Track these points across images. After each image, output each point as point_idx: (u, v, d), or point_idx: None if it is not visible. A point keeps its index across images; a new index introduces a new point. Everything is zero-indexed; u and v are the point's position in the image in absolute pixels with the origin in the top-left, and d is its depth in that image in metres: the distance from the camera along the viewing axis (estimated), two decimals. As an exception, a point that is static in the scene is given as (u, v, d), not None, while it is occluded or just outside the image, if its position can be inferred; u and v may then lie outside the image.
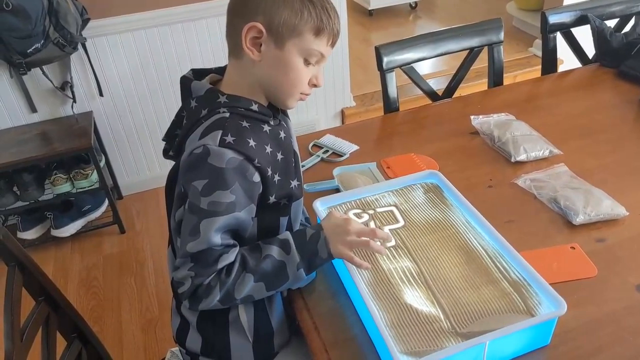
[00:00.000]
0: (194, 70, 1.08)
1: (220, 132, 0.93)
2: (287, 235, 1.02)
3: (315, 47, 0.98)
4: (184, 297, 0.97)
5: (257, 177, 0.96)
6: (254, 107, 1.00)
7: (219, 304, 0.98)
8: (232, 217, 0.95)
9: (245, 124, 0.97)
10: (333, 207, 1.22)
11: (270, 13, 0.94)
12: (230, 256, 0.96)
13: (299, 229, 1.08)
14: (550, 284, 0.96)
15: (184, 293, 0.96)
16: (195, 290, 0.96)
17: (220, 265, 0.95)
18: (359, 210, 1.20)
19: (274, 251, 0.99)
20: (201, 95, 1.00)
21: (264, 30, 0.94)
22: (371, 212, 1.20)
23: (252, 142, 0.96)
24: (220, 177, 0.92)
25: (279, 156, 1.02)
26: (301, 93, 1.03)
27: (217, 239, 0.94)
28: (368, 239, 1.01)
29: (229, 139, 0.93)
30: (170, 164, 1.08)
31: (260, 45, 0.96)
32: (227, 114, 0.97)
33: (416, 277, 1.03)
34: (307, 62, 1.00)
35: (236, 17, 0.97)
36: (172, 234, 1.07)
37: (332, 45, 1.02)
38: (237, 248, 0.98)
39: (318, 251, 1.00)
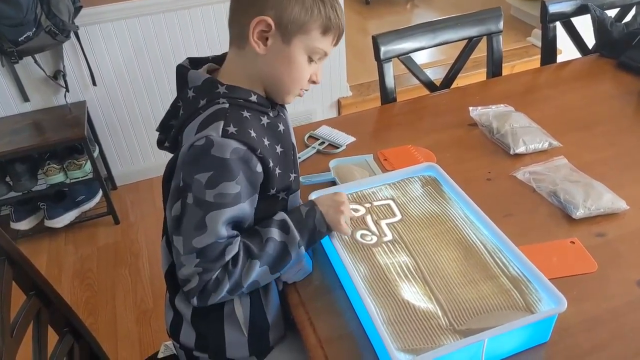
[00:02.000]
0: (190, 59, 1.06)
1: (222, 123, 0.92)
2: (282, 215, 1.03)
3: (321, 46, 0.98)
4: (192, 295, 0.95)
5: (259, 168, 0.96)
6: (253, 97, 0.99)
7: (227, 295, 0.97)
8: (238, 209, 0.94)
9: (245, 114, 0.97)
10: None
11: (281, 8, 0.93)
12: (235, 247, 0.96)
13: (293, 207, 1.08)
14: (549, 279, 0.95)
15: (192, 290, 0.95)
16: (204, 286, 0.94)
17: (227, 257, 0.94)
18: (355, 204, 1.18)
19: (275, 233, 1.00)
20: (198, 85, 0.99)
21: (273, 25, 0.94)
22: (368, 205, 1.18)
23: (253, 133, 0.95)
24: (225, 168, 0.91)
25: (278, 149, 1.01)
26: (300, 89, 1.03)
27: (224, 231, 0.94)
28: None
29: (232, 129, 0.92)
30: (165, 154, 1.06)
31: (267, 39, 0.96)
32: (227, 105, 0.96)
33: (413, 273, 1.01)
34: (310, 59, 1.00)
35: (244, 8, 0.96)
36: (168, 229, 1.05)
37: (336, 44, 1.02)
38: (239, 238, 0.98)
39: (316, 226, 1.03)
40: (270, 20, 0.93)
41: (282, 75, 1.00)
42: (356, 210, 1.16)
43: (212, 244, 0.93)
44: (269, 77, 1.00)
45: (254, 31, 0.94)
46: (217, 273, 0.94)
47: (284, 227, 1.01)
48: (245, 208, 0.96)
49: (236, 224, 0.98)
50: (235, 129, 0.93)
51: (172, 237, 1.00)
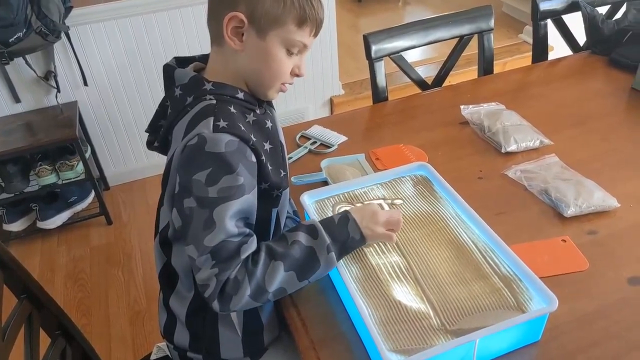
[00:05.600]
0: (177, 58, 1.05)
1: (212, 119, 0.92)
2: (312, 221, 1.01)
3: (298, 38, 0.96)
4: (212, 299, 0.90)
5: (253, 158, 0.94)
6: (240, 95, 0.98)
7: (250, 301, 0.92)
8: (243, 201, 0.92)
9: (232, 109, 0.96)
10: (321, 200, 1.19)
11: (252, 2, 0.92)
12: (251, 245, 0.93)
13: (326, 217, 1.05)
14: (541, 277, 0.95)
15: (212, 294, 0.90)
16: (222, 288, 0.90)
17: (243, 255, 0.91)
18: (347, 204, 1.18)
19: (301, 237, 0.97)
20: (185, 83, 0.98)
21: (245, 20, 0.92)
22: (359, 205, 1.18)
23: (243, 127, 0.94)
24: (223, 162, 0.89)
25: (267, 146, 1.00)
26: (282, 83, 1.01)
27: (233, 227, 0.90)
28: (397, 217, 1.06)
29: (222, 123, 0.91)
30: (158, 154, 1.05)
31: (242, 35, 0.95)
32: (214, 101, 0.95)
33: (405, 273, 1.01)
34: (289, 53, 0.98)
35: (218, 5, 0.95)
36: (171, 239, 1.04)
37: (315, 35, 1.00)
38: (254, 237, 0.95)
39: (349, 233, 1.00)
40: (242, 16, 0.92)
41: (262, 70, 0.98)
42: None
43: (224, 242, 0.89)
44: (250, 73, 0.99)
45: (227, 27, 0.93)
46: (235, 273, 0.90)
47: (312, 232, 0.98)
48: (250, 200, 0.93)
49: (246, 221, 0.95)
50: (226, 123, 0.92)
51: (185, 246, 0.95)
